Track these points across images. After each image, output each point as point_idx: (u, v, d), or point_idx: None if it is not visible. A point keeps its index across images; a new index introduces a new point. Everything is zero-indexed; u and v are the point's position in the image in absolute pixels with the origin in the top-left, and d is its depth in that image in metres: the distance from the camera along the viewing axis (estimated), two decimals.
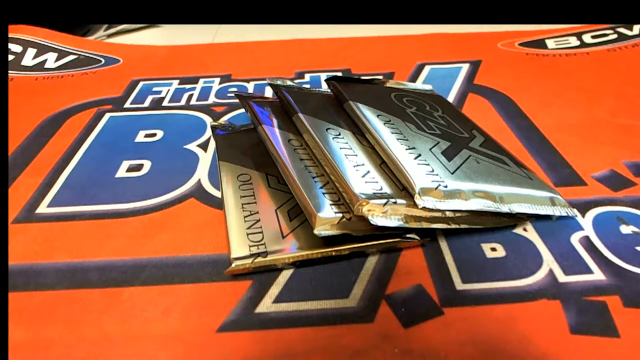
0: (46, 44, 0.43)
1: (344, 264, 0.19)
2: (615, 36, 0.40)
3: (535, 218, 0.21)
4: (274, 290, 0.18)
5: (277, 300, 0.18)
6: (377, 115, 0.23)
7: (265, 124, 0.24)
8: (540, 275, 0.18)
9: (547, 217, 0.21)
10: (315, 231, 0.18)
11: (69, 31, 0.45)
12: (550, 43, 0.40)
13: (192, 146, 0.28)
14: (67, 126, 0.30)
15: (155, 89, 0.35)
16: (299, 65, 0.38)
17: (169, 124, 0.30)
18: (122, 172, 0.25)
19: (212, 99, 0.33)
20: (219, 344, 0.16)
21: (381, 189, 0.19)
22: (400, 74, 0.36)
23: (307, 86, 0.29)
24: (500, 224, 0.20)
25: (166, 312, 0.18)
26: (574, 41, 0.40)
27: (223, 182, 0.22)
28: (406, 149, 0.21)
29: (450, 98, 0.32)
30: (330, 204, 0.19)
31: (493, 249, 0.20)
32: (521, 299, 0.18)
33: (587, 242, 0.20)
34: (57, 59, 0.41)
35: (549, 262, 0.19)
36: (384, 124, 0.22)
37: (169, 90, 0.35)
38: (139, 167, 0.26)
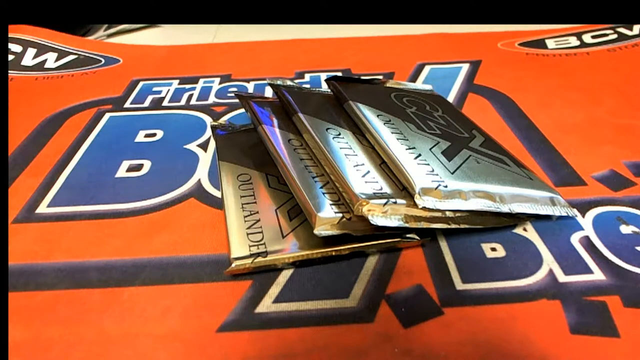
0: (46, 44, 0.43)
1: (344, 264, 0.19)
2: (615, 36, 0.40)
3: (535, 218, 0.21)
4: (274, 290, 0.18)
5: (277, 300, 0.18)
6: (377, 115, 0.23)
7: (265, 124, 0.24)
8: (540, 275, 0.18)
9: (547, 217, 0.21)
10: (315, 231, 0.18)
11: (69, 31, 0.45)
12: (550, 43, 0.40)
13: (192, 146, 0.28)
14: (67, 126, 0.30)
15: (155, 89, 0.35)
16: (299, 65, 0.38)
17: (169, 124, 0.30)
18: (122, 172, 0.25)
19: (212, 99, 0.33)
20: (219, 343, 0.16)
21: (381, 189, 0.19)
22: (400, 74, 0.36)
23: (307, 86, 0.29)
24: (500, 224, 0.20)
25: (166, 312, 0.18)
26: (574, 41, 0.40)
27: (223, 182, 0.22)
28: (406, 149, 0.21)
29: (450, 98, 0.32)
30: (330, 204, 0.19)
31: (493, 249, 0.20)
32: (521, 299, 0.18)
33: (587, 242, 0.20)
34: (57, 59, 0.41)
35: (549, 262, 0.19)
36: (384, 123, 0.22)
37: (169, 90, 0.35)
38: (139, 167, 0.26)
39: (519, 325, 0.17)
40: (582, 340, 0.16)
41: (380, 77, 0.36)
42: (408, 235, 0.19)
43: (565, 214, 0.20)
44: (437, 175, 0.19)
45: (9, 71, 0.38)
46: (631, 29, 0.41)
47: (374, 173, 0.20)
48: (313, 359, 0.16)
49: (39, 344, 0.17)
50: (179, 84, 0.36)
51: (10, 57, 0.40)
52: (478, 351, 0.16)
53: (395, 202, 0.18)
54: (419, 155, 0.20)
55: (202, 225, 0.22)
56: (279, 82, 0.28)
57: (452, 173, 0.20)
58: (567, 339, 0.16)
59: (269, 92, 0.34)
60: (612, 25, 0.42)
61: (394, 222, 0.18)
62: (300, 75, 0.37)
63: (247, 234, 0.19)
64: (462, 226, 0.19)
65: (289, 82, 0.28)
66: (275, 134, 0.23)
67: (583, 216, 0.21)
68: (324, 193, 0.19)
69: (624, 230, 0.21)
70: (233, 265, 0.18)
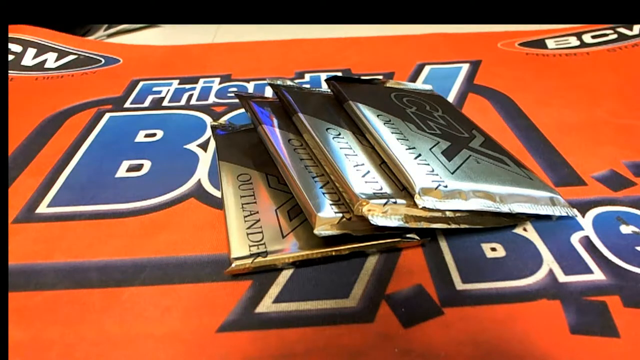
0: (46, 44, 0.43)
1: (344, 264, 0.19)
2: (615, 36, 0.40)
3: (535, 218, 0.21)
4: (274, 290, 0.18)
5: (277, 300, 0.18)
6: (377, 115, 0.23)
7: (265, 124, 0.24)
8: (540, 275, 0.18)
9: (547, 217, 0.21)
10: (315, 231, 0.18)
11: (69, 31, 0.45)
12: (550, 43, 0.40)
13: (192, 146, 0.28)
14: (67, 126, 0.30)
15: (155, 89, 0.35)
16: (299, 65, 0.38)
17: (169, 124, 0.30)
18: (122, 172, 0.25)
19: (212, 98, 0.33)
20: (219, 344, 0.16)
21: (381, 189, 0.19)
22: (400, 74, 0.36)
23: (307, 86, 0.29)
24: (500, 224, 0.20)
25: (166, 312, 0.18)
26: (574, 41, 0.40)
27: (223, 182, 0.22)
28: (406, 149, 0.21)
29: (450, 98, 0.32)
30: (330, 204, 0.19)
31: (493, 249, 0.20)
32: (521, 299, 0.18)
33: (587, 242, 0.20)
34: (57, 59, 0.41)
35: (549, 262, 0.19)
36: (384, 123, 0.22)
37: (169, 90, 0.35)
38: (139, 167, 0.26)
39: (519, 325, 0.17)
40: (582, 340, 0.16)
41: (380, 77, 0.36)
42: (408, 235, 0.19)
43: (565, 214, 0.20)
44: (437, 175, 0.19)
45: (9, 71, 0.38)
46: (631, 29, 0.41)
47: (374, 173, 0.20)
48: (313, 359, 0.16)
49: (39, 344, 0.17)
50: (179, 84, 0.36)
51: (10, 57, 0.40)
52: (478, 351, 0.16)
53: (395, 202, 0.18)
54: (419, 155, 0.20)
55: (202, 225, 0.22)
56: (279, 82, 0.28)
57: (452, 173, 0.20)
58: (567, 339, 0.16)
59: (269, 92, 0.34)
60: (612, 25, 0.42)
61: (394, 222, 0.18)
62: (300, 75, 0.37)
63: (247, 234, 0.19)
64: (462, 226, 0.19)
65: (289, 82, 0.28)
66: (275, 134, 0.23)
67: (583, 216, 0.21)
68: (324, 193, 0.19)
69: (624, 230, 0.21)
70: (233, 265, 0.18)
